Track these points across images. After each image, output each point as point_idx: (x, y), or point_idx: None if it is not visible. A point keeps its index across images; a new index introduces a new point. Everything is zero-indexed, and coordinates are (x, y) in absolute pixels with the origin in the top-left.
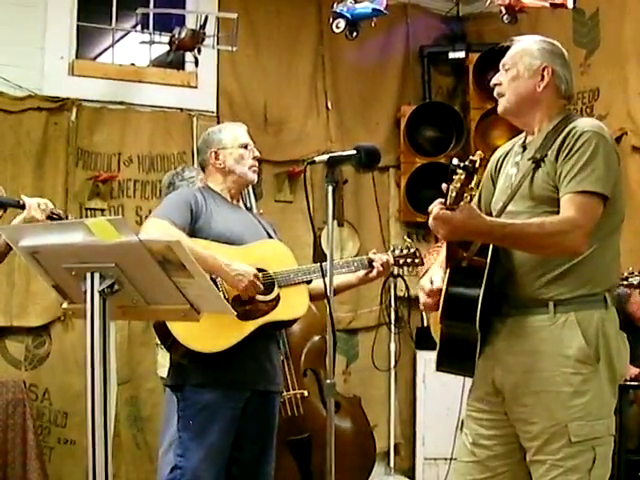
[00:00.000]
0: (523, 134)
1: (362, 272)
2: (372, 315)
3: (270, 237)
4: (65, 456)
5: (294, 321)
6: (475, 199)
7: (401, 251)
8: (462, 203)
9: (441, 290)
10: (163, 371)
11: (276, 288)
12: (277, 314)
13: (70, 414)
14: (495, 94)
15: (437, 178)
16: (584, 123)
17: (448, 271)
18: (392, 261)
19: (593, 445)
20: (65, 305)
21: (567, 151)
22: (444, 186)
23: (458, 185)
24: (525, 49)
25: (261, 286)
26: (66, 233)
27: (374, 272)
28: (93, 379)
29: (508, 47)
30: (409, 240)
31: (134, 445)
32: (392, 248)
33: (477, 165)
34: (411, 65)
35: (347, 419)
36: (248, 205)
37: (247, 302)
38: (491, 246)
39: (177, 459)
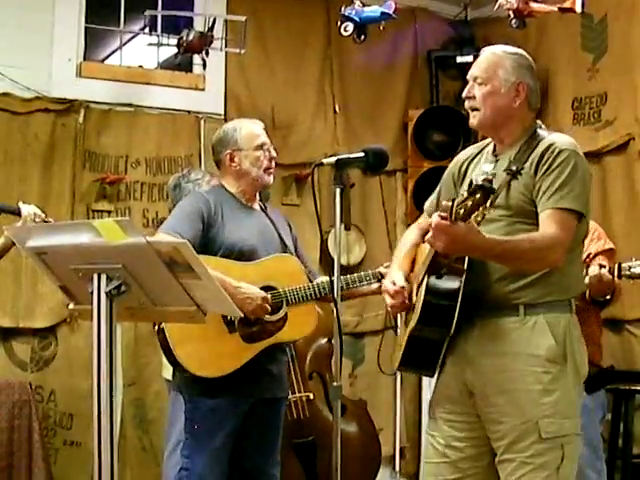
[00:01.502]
0: (488, 141)
1: (375, 285)
2: (378, 319)
3: (283, 242)
4: (71, 458)
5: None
6: (432, 197)
7: None
8: (470, 219)
9: (404, 288)
10: (167, 373)
11: (284, 307)
12: (283, 335)
13: (76, 416)
14: (467, 107)
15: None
16: (561, 140)
17: (427, 277)
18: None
19: (562, 443)
20: (72, 306)
21: (546, 167)
22: (446, 203)
23: (470, 203)
24: (498, 63)
25: (269, 308)
26: (73, 234)
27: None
28: (99, 381)
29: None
30: None
31: (140, 447)
32: None
33: (493, 185)
34: (419, 69)
35: (353, 422)
36: (264, 205)
37: (254, 323)
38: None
39: (184, 460)
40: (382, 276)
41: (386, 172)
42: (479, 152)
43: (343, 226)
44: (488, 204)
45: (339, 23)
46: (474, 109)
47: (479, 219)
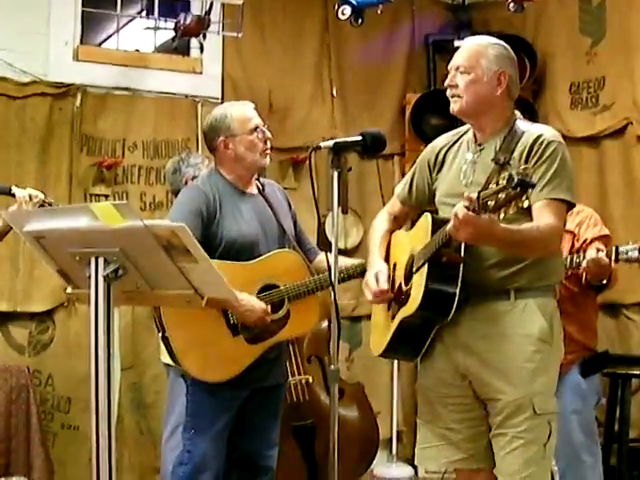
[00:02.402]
0: (465, 129)
1: None
2: None
3: (282, 228)
4: (69, 442)
5: None
6: (404, 182)
7: None
8: (499, 212)
9: (386, 291)
10: (166, 357)
11: (286, 304)
12: (286, 332)
13: (74, 400)
14: (449, 95)
15: None
16: (547, 132)
17: (427, 266)
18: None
19: (549, 420)
20: (69, 290)
21: (536, 158)
22: (470, 195)
23: (503, 196)
24: (481, 52)
25: (269, 320)
26: (71, 218)
27: None
28: (97, 365)
29: (517, 37)
30: None
31: (137, 431)
32: None
33: (530, 180)
34: (416, 53)
35: (351, 406)
36: (260, 184)
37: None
38: (463, 243)
39: (186, 443)
40: None
41: (383, 156)
42: (457, 140)
43: (340, 210)
44: (524, 198)
45: (336, 6)
46: (456, 96)
47: (510, 212)
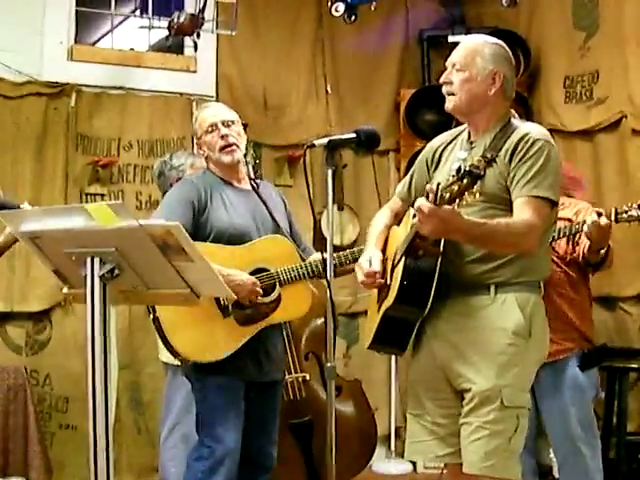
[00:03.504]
0: (463, 128)
1: None
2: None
3: (276, 222)
4: (66, 441)
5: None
6: (405, 181)
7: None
8: (455, 204)
9: (377, 273)
10: (164, 355)
11: (277, 288)
12: (278, 315)
13: (71, 399)
14: (444, 92)
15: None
16: (535, 130)
17: (404, 258)
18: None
19: (518, 414)
20: (65, 290)
21: (520, 156)
22: (430, 187)
23: (456, 188)
24: (477, 51)
25: (260, 291)
26: (66, 218)
27: None
28: (94, 364)
29: (510, 31)
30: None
31: (135, 430)
32: None
33: (481, 172)
34: (410, 49)
35: (348, 402)
36: (254, 184)
37: (248, 306)
38: (442, 238)
39: (205, 438)
40: None
41: (379, 152)
42: (454, 139)
43: (336, 206)
44: (474, 189)
45: (330, 3)
46: (451, 94)
47: (464, 203)
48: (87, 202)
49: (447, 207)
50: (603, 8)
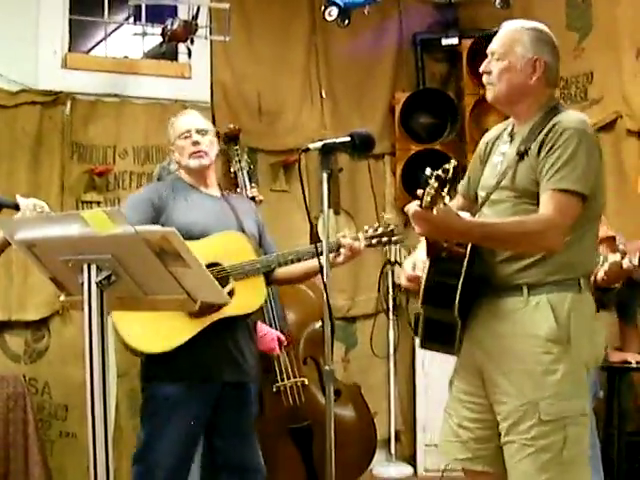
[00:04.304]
0: (512, 120)
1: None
2: (370, 302)
3: (241, 227)
4: (66, 449)
5: (252, 313)
6: (465, 179)
7: (375, 230)
8: (436, 207)
9: (419, 277)
10: None
11: (231, 282)
12: (231, 309)
13: (70, 407)
14: (484, 81)
15: (432, 165)
16: (568, 118)
17: (428, 260)
18: (363, 246)
19: (565, 424)
20: (63, 298)
21: (549, 147)
22: (419, 191)
23: (432, 191)
24: (516, 38)
25: None
26: (62, 225)
27: (340, 257)
28: (92, 371)
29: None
30: (388, 216)
31: (135, 437)
32: (365, 228)
33: (450, 175)
34: (404, 52)
35: (348, 407)
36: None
37: None
38: None
39: (138, 449)
40: (340, 245)
41: (374, 156)
42: (503, 131)
43: (332, 211)
44: (445, 192)
45: (323, 8)
46: (490, 84)
47: (441, 206)
48: (83, 210)
49: (438, 209)
50: (596, 9)
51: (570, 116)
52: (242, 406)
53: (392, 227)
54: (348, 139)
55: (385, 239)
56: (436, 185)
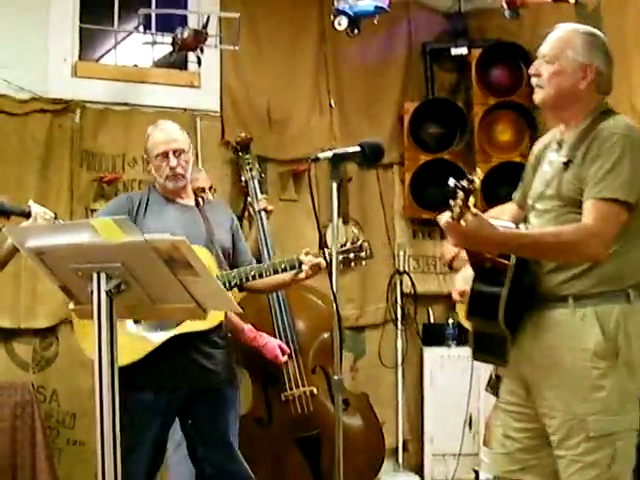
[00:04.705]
0: (562, 126)
1: (293, 272)
2: (378, 312)
3: (210, 237)
4: (74, 457)
5: (214, 329)
6: (519, 189)
7: (342, 246)
8: (464, 218)
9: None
10: None
11: None
12: (191, 324)
13: (79, 415)
14: (533, 83)
15: (441, 174)
16: (614, 123)
17: (473, 273)
18: (324, 263)
19: (613, 440)
20: (72, 306)
21: (593, 154)
22: (451, 202)
23: (460, 202)
24: (568, 41)
25: None
26: (72, 234)
27: (302, 274)
28: (101, 379)
29: (513, 43)
30: (356, 231)
31: None
32: (330, 245)
33: (475, 186)
34: (413, 62)
35: (356, 416)
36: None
37: None
38: None
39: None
40: (301, 263)
41: (383, 165)
42: (552, 138)
43: (341, 220)
44: (471, 203)
45: (333, 17)
46: (539, 86)
47: (471, 216)
48: (93, 218)
49: (469, 220)
50: (606, 20)
51: (617, 121)
52: (218, 412)
53: (360, 242)
54: (358, 149)
55: (352, 255)
56: (462, 196)
